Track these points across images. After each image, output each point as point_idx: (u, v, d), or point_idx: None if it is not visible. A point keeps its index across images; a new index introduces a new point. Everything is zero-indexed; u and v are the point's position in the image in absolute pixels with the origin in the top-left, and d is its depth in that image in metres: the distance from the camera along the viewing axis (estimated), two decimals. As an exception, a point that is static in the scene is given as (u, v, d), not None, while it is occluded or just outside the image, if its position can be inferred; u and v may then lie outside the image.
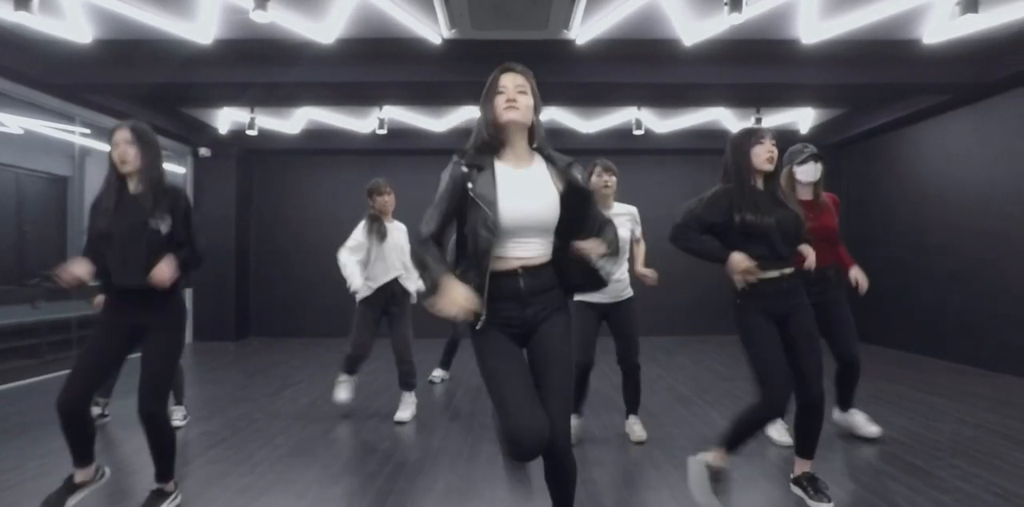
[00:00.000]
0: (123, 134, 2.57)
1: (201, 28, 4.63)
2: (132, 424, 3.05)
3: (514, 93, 1.97)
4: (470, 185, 1.92)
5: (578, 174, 2.05)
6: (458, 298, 1.82)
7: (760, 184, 2.71)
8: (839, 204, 3.73)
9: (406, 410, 4.29)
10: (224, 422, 4.25)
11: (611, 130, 7.81)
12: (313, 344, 8.14)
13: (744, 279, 2.62)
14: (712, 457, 2.68)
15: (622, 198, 3.91)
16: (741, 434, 2.64)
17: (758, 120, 6.79)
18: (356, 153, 8.60)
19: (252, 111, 6.87)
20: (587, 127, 7.76)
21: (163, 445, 2.66)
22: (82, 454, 2.61)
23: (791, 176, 3.56)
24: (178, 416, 4.15)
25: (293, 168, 8.93)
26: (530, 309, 1.96)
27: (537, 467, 2.01)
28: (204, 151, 8.34)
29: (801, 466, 2.85)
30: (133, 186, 2.62)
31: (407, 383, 4.35)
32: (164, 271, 2.53)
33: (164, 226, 2.56)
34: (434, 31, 4.68)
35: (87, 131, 6.98)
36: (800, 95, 6.13)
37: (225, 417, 4.39)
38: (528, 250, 1.97)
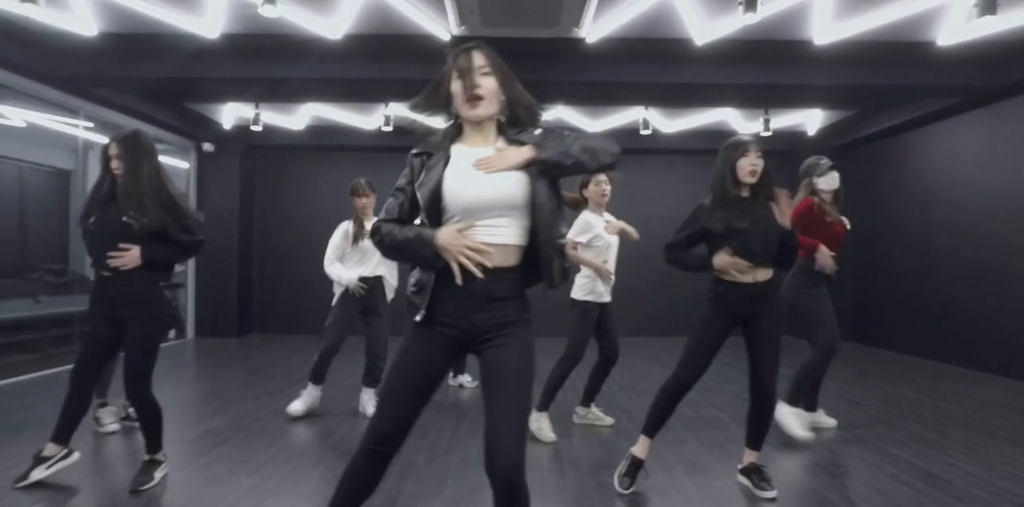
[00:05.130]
0: (113, 149, 2.92)
1: (209, 22, 4.58)
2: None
3: (477, 77, 1.73)
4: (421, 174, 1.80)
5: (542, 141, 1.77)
6: (453, 239, 1.68)
7: (745, 192, 2.88)
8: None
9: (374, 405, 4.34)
10: (227, 421, 4.22)
11: (618, 129, 7.76)
12: (315, 341, 8.06)
13: (738, 270, 2.83)
14: (637, 448, 3.01)
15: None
16: (658, 416, 2.99)
17: (766, 121, 6.75)
18: (360, 150, 8.55)
19: (257, 106, 6.82)
20: (594, 126, 7.71)
21: (149, 422, 3.00)
22: (61, 429, 2.96)
23: (812, 187, 3.89)
24: (108, 420, 3.90)
25: (296, 164, 8.88)
26: (478, 316, 1.75)
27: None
28: (208, 146, 8.30)
29: (749, 457, 3.02)
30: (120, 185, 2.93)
31: (374, 380, 4.43)
32: (123, 256, 2.84)
33: (136, 224, 2.81)
34: (443, 28, 4.64)
35: (90, 125, 6.93)
36: (810, 96, 6.09)
37: (228, 416, 4.35)
38: (491, 235, 1.73)
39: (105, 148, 2.98)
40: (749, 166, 2.81)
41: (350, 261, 4.41)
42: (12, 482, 2.92)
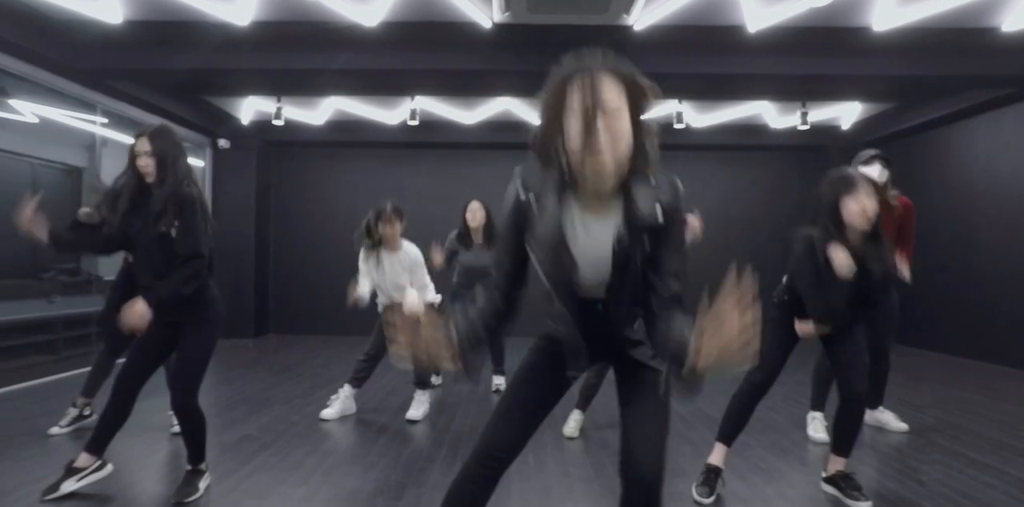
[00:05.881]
0: (143, 145, 2.65)
1: (240, 8, 4.38)
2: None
3: (603, 115, 1.32)
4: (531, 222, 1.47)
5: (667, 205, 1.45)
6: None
7: (855, 237, 2.52)
8: (911, 209, 3.74)
9: (419, 408, 4.20)
10: (261, 426, 4.02)
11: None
12: (334, 342, 7.92)
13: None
14: (713, 456, 2.83)
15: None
16: (735, 422, 2.85)
17: (804, 114, 6.56)
18: (379, 146, 8.36)
19: (279, 100, 6.62)
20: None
21: (194, 432, 2.83)
22: (99, 439, 2.78)
23: None
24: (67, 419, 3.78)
25: (314, 161, 8.68)
26: (611, 353, 1.64)
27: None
28: (224, 143, 8.10)
29: (835, 464, 2.80)
30: (154, 188, 2.69)
31: (422, 382, 4.28)
32: (131, 313, 2.58)
33: (175, 231, 2.64)
34: (486, 15, 4.44)
35: (105, 120, 6.73)
36: (857, 87, 5.90)
37: (261, 420, 4.16)
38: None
39: (133, 143, 2.71)
40: (858, 207, 2.44)
41: (378, 286, 4.20)
42: (40, 494, 2.73)
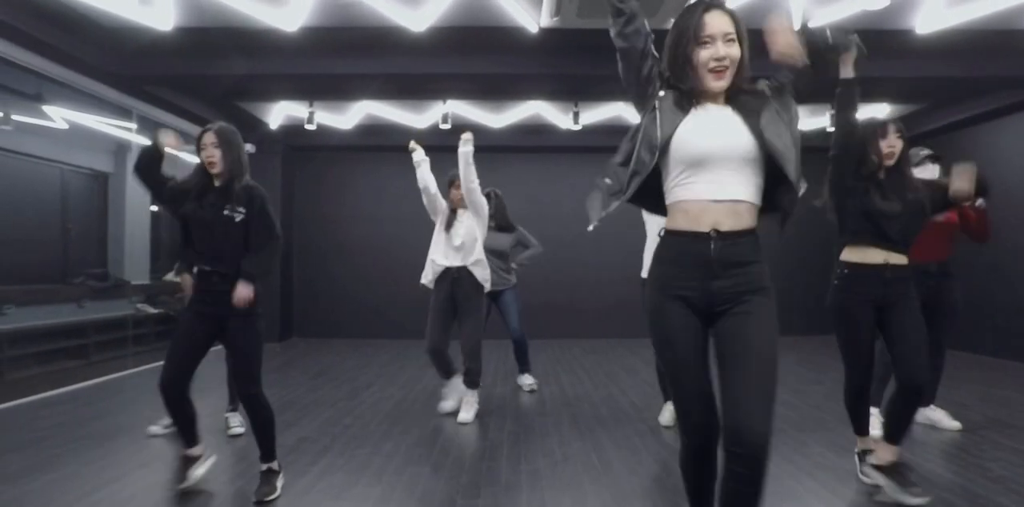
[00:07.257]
0: (210, 137, 2.81)
1: (291, 14, 4.42)
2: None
3: (723, 47, 1.63)
4: (657, 102, 1.71)
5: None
6: None
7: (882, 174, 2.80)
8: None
9: (469, 410, 4.20)
10: (315, 428, 4.03)
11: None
12: (361, 345, 7.94)
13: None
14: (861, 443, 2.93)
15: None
16: (855, 417, 2.91)
17: (832, 116, 6.59)
18: (404, 150, 8.36)
19: (311, 105, 6.64)
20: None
21: (264, 424, 2.88)
22: (186, 435, 2.90)
23: None
24: (235, 422, 3.90)
25: (339, 165, 8.72)
26: (718, 283, 1.64)
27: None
28: (249, 147, 8.10)
29: (886, 452, 2.77)
30: (217, 180, 2.84)
31: (471, 381, 4.28)
32: (242, 294, 2.75)
33: (238, 216, 2.79)
34: (533, 19, 4.48)
35: (135, 126, 6.77)
36: (889, 90, 5.95)
37: (313, 423, 4.17)
38: (722, 191, 1.65)
39: (199, 137, 2.87)
40: (887, 148, 2.74)
41: (437, 247, 4.29)
42: (173, 484, 2.89)
